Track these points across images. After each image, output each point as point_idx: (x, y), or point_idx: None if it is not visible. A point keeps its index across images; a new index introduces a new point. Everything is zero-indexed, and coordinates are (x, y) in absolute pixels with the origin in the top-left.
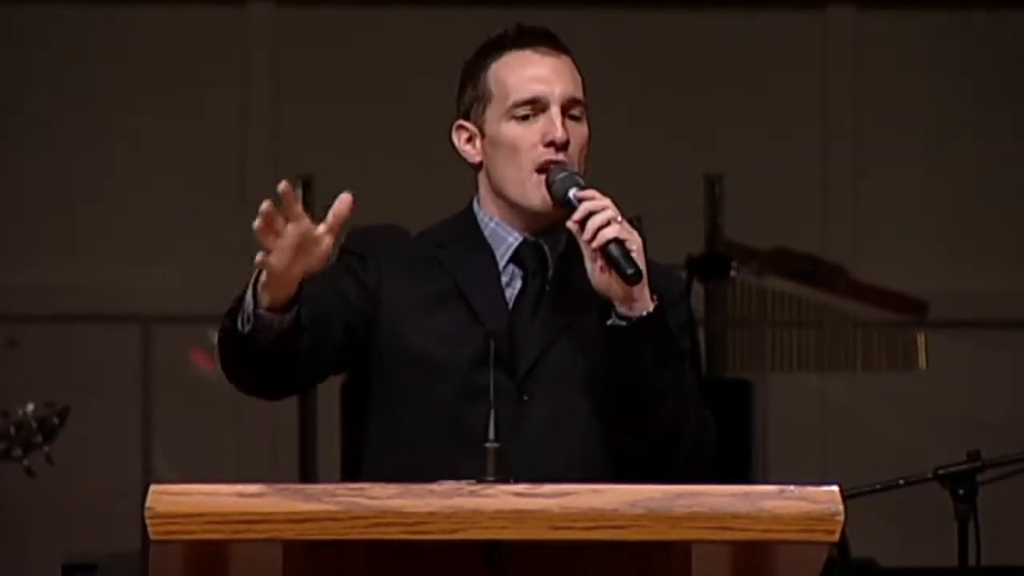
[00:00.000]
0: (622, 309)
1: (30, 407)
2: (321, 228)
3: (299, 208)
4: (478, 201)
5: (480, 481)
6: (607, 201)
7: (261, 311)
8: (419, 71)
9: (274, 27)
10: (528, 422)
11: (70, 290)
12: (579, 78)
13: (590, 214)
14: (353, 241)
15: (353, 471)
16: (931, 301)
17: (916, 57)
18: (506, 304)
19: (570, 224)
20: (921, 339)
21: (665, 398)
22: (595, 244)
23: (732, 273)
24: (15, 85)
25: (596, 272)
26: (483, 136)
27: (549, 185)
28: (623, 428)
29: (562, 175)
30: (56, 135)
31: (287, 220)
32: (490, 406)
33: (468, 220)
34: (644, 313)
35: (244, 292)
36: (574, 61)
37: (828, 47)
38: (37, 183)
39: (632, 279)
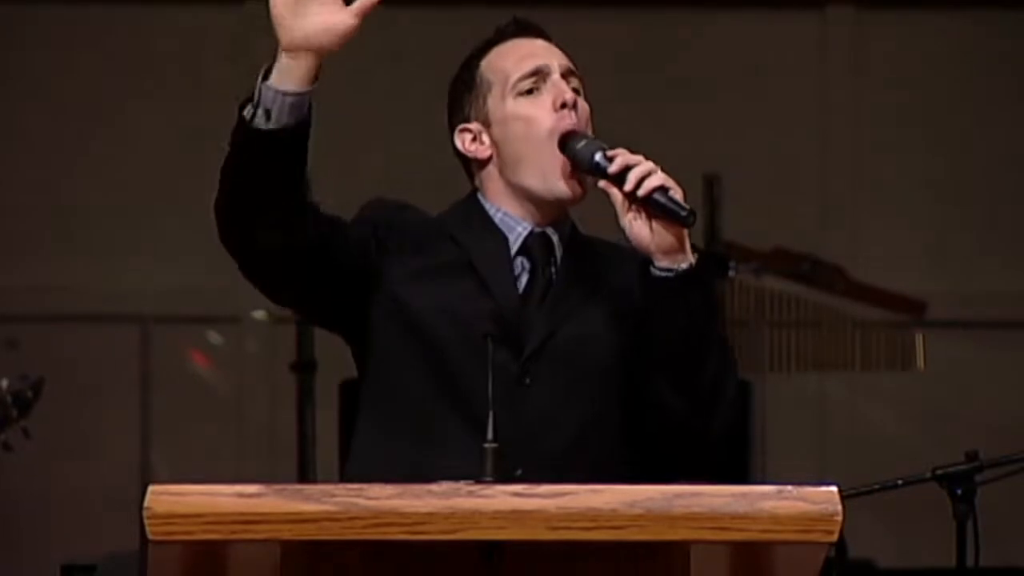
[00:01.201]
0: (663, 262)
1: (3, 382)
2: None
3: None
4: (483, 195)
5: (479, 481)
6: (640, 156)
7: (272, 84)
8: (419, 72)
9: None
10: (528, 405)
11: (69, 290)
12: (571, 59)
13: (628, 167)
14: (368, 208)
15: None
16: (929, 301)
17: (915, 57)
18: (516, 283)
19: (602, 184)
20: (919, 339)
21: (713, 349)
22: (641, 192)
23: (731, 273)
24: (14, 85)
25: (634, 225)
26: (490, 126)
27: (572, 155)
28: (667, 385)
29: (582, 142)
30: (55, 136)
31: None
32: (499, 386)
33: (476, 207)
34: (689, 264)
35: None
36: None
37: (827, 47)
38: (36, 184)
39: (687, 220)
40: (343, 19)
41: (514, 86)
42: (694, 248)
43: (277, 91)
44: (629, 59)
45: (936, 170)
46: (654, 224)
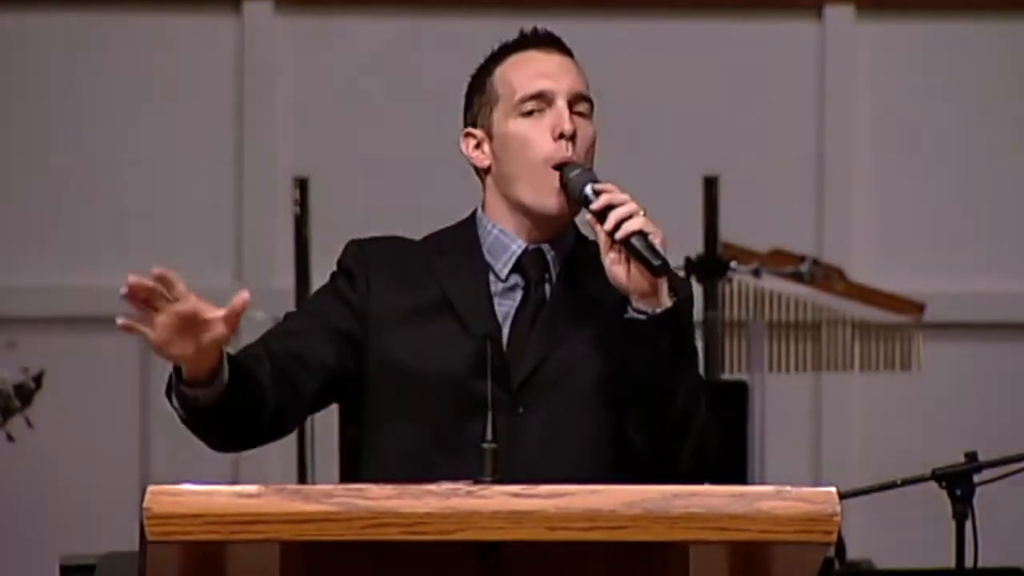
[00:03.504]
0: (639, 304)
1: (5, 373)
2: (217, 313)
3: (180, 290)
4: (483, 208)
5: (477, 482)
6: (627, 195)
7: (182, 387)
8: (418, 73)
9: (270, 29)
10: (523, 434)
11: (69, 291)
12: (585, 79)
13: (611, 206)
14: (345, 257)
15: (351, 473)
16: (928, 302)
17: (913, 60)
18: (494, 313)
19: (588, 218)
20: (918, 340)
21: (677, 393)
22: (619, 235)
23: (729, 274)
24: (14, 88)
25: (613, 265)
26: (491, 138)
27: (564, 184)
28: (634, 423)
29: (576, 172)
30: (55, 137)
31: (168, 299)
32: (482, 419)
33: (469, 227)
34: (663, 310)
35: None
36: (577, 66)
37: (825, 50)
38: (36, 184)
39: (659, 270)
40: (220, 334)
41: (517, 105)
42: (678, 286)
43: (184, 389)
44: (628, 61)
45: (936, 170)
46: (632, 266)
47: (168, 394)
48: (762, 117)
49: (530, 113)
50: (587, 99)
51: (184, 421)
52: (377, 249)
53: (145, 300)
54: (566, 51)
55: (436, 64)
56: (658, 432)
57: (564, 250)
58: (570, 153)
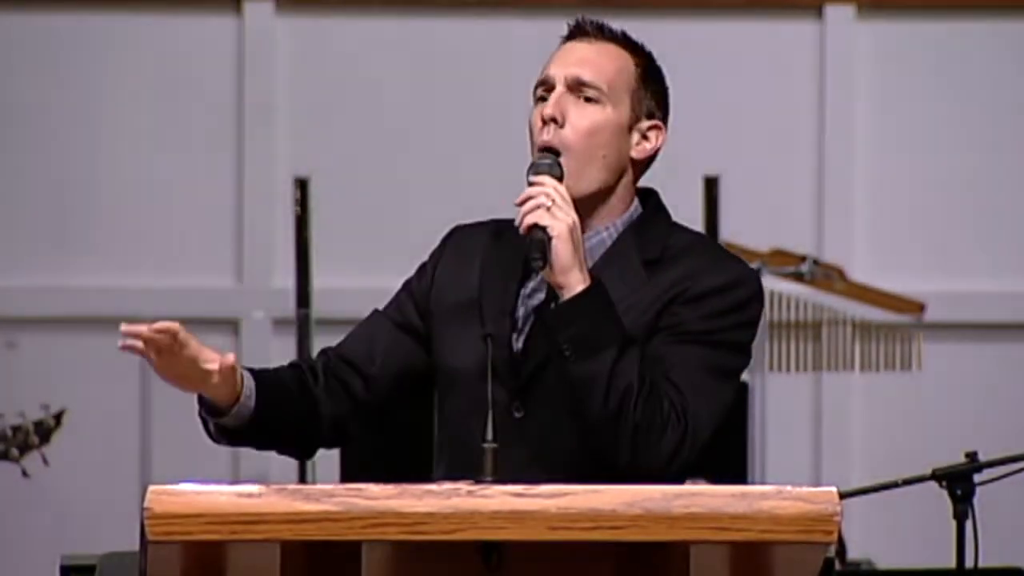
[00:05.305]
0: (560, 293)
1: (26, 410)
2: (212, 366)
3: (182, 338)
4: None
5: (478, 482)
6: (550, 188)
7: (203, 413)
8: (418, 73)
9: (270, 29)
10: (520, 438)
11: (69, 292)
12: (614, 65)
13: (527, 199)
14: (437, 247)
15: (351, 472)
16: (928, 302)
17: (913, 60)
18: (512, 312)
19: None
20: (918, 340)
21: (593, 388)
22: (518, 223)
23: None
24: (14, 88)
25: None
26: None
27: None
28: (569, 411)
29: (543, 162)
30: (55, 138)
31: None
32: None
33: None
34: (563, 302)
35: None
36: (633, 51)
37: (825, 50)
38: (36, 185)
39: (531, 265)
40: (215, 381)
41: (533, 92)
42: (595, 291)
43: (204, 416)
44: None
45: (936, 170)
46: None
47: (204, 425)
48: (762, 117)
49: (541, 99)
50: (590, 85)
51: (228, 444)
52: (456, 238)
53: (142, 352)
54: (608, 38)
55: (437, 64)
56: (586, 430)
57: (604, 240)
58: (549, 137)
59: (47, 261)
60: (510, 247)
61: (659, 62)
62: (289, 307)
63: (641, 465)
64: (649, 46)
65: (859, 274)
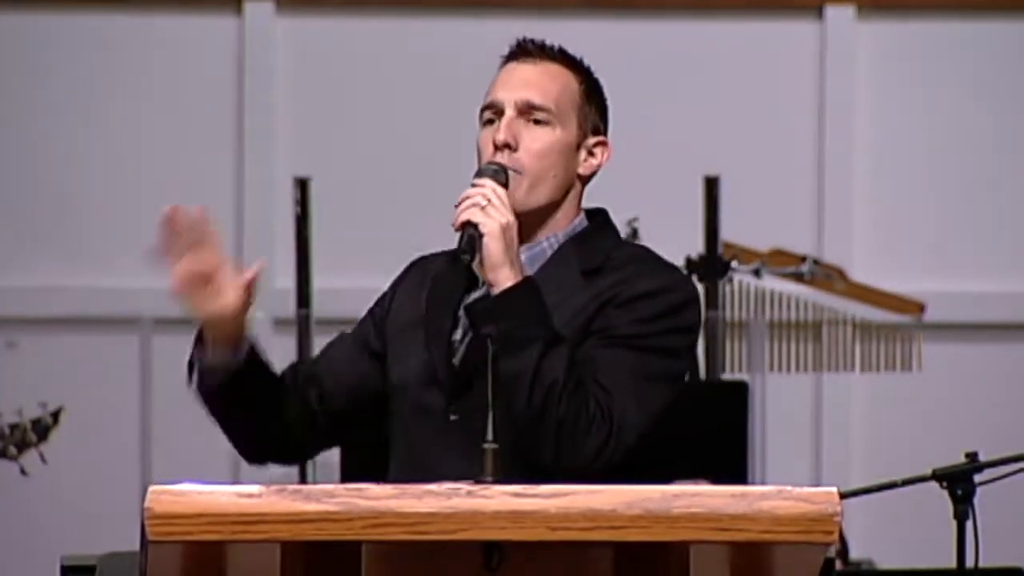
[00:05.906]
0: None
1: (24, 408)
2: (233, 281)
3: (214, 236)
4: None
5: (478, 482)
6: (488, 189)
7: (197, 350)
8: (418, 73)
9: (270, 29)
10: (456, 440)
11: (69, 292)
12: (558, 85)
13: (465, 199)
14: (399, 275)
15: (352, 472)
16: (928, 302)
17: (913, 60)
18: (454, 316)
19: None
20: (918, 340)
21: (519, 385)
22: (455, 225)
23: (730, 274)
24: (14, 88)
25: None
26: None
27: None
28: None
29: (488, 167)
30: (55, 138)
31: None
32: (426, 427)
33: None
34: (487, 298)
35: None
36: (573, 68)
37: (826, 50)
38: (36, 185)
39: (460, 255)
40: (233, 299)
41: (479, 116)
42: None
43: (199, 359)
44: (629, 62)
45: (936, 170)
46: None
47: (189, 371)
48: (762, 117)
49: (489, 122)
50: (540, 107)
51: (202, 399)
52: (418, 266)
53: (178, 233)
54: (549, 56)
55: (436, 64)
56: (514, 426)
57: (543, 251)
58: (503, 160)
59: (47, 261)
60: (462, 266)
61: (658, 62)
62: (289, 307)
63: (566, 463)
64: (649, 46)
65: (859, 274)
